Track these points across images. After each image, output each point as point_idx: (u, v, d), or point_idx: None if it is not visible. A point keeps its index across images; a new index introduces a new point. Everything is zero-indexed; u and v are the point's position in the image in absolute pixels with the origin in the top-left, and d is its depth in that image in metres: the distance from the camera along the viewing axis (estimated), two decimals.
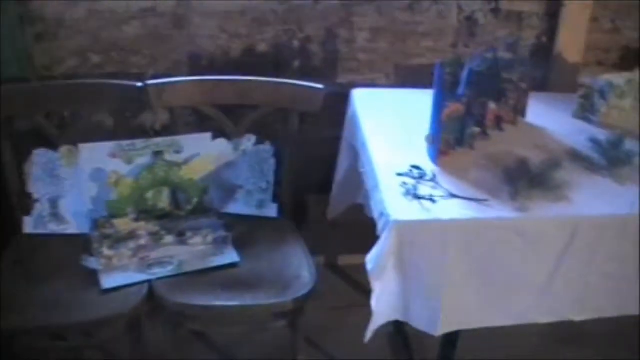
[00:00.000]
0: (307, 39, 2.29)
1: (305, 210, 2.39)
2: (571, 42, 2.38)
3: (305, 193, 2.40)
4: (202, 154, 1.96)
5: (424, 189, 1.64)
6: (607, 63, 2.53)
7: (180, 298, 1.76)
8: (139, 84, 1.90)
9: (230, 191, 2.02)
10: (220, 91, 1.94)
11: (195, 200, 1.99)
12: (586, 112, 2.05)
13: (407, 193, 1.61)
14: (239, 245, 1.93)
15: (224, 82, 1.95)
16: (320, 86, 1.93)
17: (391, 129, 1.90)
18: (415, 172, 1.69)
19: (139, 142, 1.91)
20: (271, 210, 2.03)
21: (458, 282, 1.64)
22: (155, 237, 1.92)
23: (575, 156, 1.84)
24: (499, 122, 1.92)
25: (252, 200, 2.03)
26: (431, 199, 1.59)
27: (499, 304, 1.72)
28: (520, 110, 1.98)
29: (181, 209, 1.99)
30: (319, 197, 2.32)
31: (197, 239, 1.91)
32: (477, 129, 1.84)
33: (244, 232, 1.99)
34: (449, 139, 1.75)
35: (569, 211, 1.64)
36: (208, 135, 1.95)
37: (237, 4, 2.20)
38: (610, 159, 1.83)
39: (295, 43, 2.29)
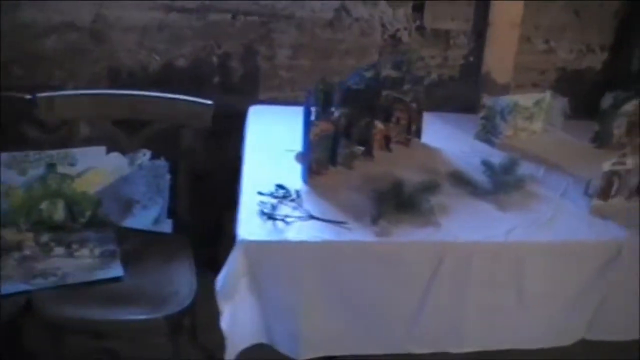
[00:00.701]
0: (226, 55, 2.29)
1: (221, 227, 2.37)
2: (499, 62, 2.31)
3: (224, 210, 2.37)
4: (96, 167, 1.96)
5: (285, 209, 1.61)
6: (543, 85, 2.45)
7: (55, 310, 1.76)
8: (29, 97, 1.92)
9: (127, 205, 2.02)
10: (113, 105, 1.95)
11: (88, 213, 1.99)
12: (488, 134, 1.98)
13: (263, 213, 1.58)
14: (129, 259, 1.93)
15: (116, 96, 1.96)
16: (209, 102, 1.92)
17: (273, 147, 1.87)
18: (280, 191, 1.66)
19: (33, 154, 1.92)
20: (166, 226, 2.02)
21: (317, 306, 1.60)
22: (45, 249, 1.92)
23: (461, 179, 1.78)
24: (388, 142, 1.87)
25: (149, 215, 2.02)
26: (283, 220, 1.56)
27: (367, 331, 1.67)
28: (416, 131, 1.93)
29: (76, 221, 1.99)
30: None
31: (84, 252, 1.91)
32: (359, 149, 1.80)
33: (137, 246, 1.98)
34: (321, 158, 1.71)
35: (434, 237, 1.59)
36: (102, 148, 1.96)
37: (155, 19, 2.21)
38: (497, 184, 1.76)
39: (215, 59, 2.29)
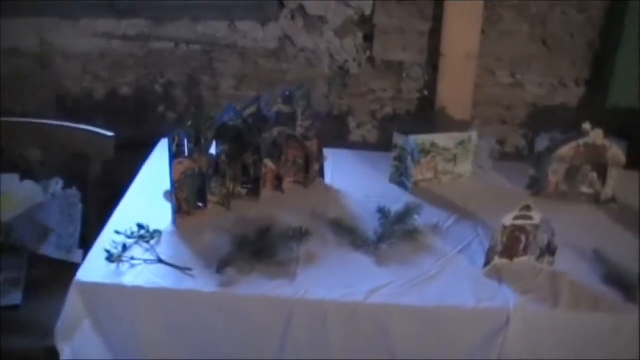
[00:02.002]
0: (170, 84, 2.24)
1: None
2: (455, 97, 2.11)
3: None
4: (9, 193, 1.97)
5: (137, 251, 1.53)
6: (513, 122, 2.21)
7: None
8: None
9: (42, 233, 2.01)
10: (21, 133, 1.95)
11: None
12: (402, 177, 1.79)
13: (109, 253, 1.50)
14: (36, 288, 1.91)
15: (23, 124, 1.96)
16: (110, 134, 1.87)
17: (161, 183, 1.78)
18: (140, 231, 1.57)
19: None
20: (77, 256, 1.98)
21: (163, 353, 1.50)
22: None
23: (344, 228, 1.61)
24: (280, 182, 1.73)
25: (63, 244, 2.00)
26: (124, 262, 1.48)
27: None
28: (318, 171, 1.78)
29: None
30: None
31: None
32: (244, 188, 1.68)
33: (45, 275, 1.96)
34: (189, 198, 1.61)
35: (283, 291, 1.44)
36: (16, 176, 1.96)
37: (97, 46, 2.20)
38: (384, 234, 1.58)
39: (158, 88, 2.25)
